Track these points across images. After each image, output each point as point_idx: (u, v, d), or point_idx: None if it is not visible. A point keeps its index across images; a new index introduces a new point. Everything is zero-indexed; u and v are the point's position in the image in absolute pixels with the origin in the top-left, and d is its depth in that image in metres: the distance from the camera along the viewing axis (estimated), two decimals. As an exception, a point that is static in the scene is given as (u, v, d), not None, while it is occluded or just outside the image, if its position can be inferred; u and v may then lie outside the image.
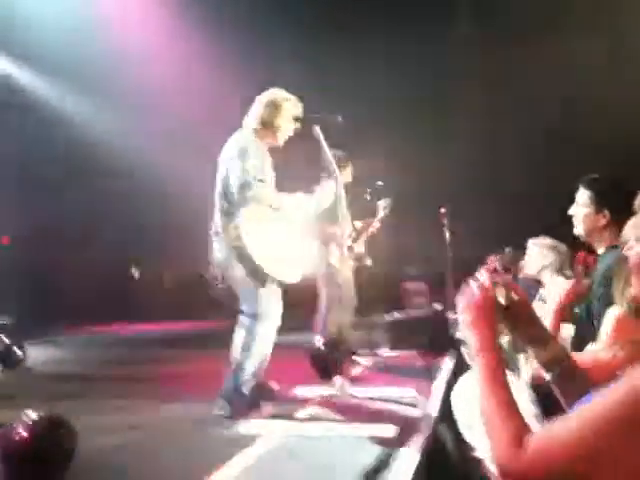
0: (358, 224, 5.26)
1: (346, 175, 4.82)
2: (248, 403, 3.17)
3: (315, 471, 2.27)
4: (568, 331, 2.89)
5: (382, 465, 2.23)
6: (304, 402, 3.39)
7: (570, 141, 9.78)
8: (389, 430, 2.71)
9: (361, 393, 3.46)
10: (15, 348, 5.09)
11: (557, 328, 2.86)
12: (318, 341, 4.56)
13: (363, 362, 4.79)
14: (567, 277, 4.32)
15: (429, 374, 3.66)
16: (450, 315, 5.50)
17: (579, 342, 2.16)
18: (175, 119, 9.10)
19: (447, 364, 4.24)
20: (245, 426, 2.95)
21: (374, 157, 7.90)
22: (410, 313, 5.88)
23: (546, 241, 4.45)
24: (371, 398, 3.41)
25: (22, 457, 2.12)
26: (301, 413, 3.16)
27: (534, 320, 1.34)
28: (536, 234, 4.61)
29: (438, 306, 5.72)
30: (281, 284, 3.38)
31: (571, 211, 2.59)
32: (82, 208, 9.47)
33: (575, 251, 5.13)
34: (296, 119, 3.49)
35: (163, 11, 8.63)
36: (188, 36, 8.70)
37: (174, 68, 8.99)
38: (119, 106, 9.04)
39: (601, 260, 2.50)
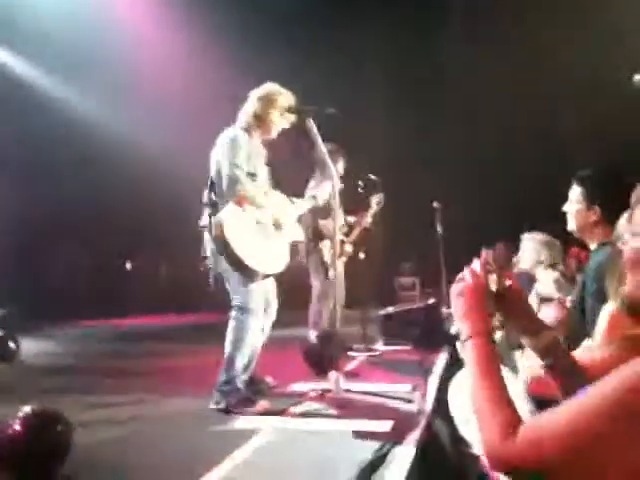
0: (350, 219, 5.28)
1: (338, 168, 4.85)
2: (243, 397, 3.18)
3: (311, 466, 2.28)
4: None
5: (377, 460, 2.24)
6: (300, 397, 3.40)
7: (562, 137, 9.83)
8: (384, 425, 2.71)
9: (356, 388, 3.47)
10: (9, 341, 5.06)
11: None
12: (311, 335, 4.57)
13: (359, 356, 4.81)
14: (560, 272, 4.36)
15: (424, 369, 3.67)
16: (444, 309, 5.53)
17: (573, 339, 2.17)
18: (173, 110, 9.05)
19: (441, 359, 4.26)
20: (241, 421, 2.95)
21: (367, 150, 7.90)
22: (404, 308, 5.88)
23: (540, 236, 4.48)
24: (366, 393, 3.42)
25: (17, 452, 2.11)
26: (297, 408, 3.16)
27: (527, 309, 1.35)
28: (529, 229, 4.65)
29: (432, 300, 5.74)
30: (268, 276, 3.40)
31: (565, 207, 2.61)
32: (77, 199, 9.40)
33: (569, 246, 5.18)
34: (290, 112, 3.50)
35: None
36: (188, 29, 8.66)
37: (174, 59, 8.94)
38: (119, 98, 8.97)
39: (593, 256, 2.52)
